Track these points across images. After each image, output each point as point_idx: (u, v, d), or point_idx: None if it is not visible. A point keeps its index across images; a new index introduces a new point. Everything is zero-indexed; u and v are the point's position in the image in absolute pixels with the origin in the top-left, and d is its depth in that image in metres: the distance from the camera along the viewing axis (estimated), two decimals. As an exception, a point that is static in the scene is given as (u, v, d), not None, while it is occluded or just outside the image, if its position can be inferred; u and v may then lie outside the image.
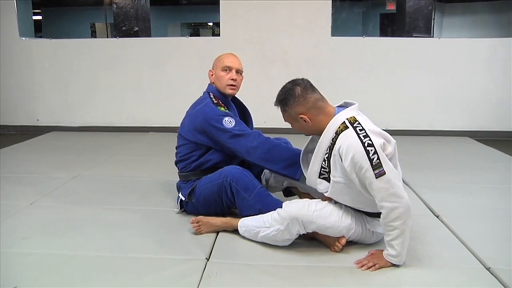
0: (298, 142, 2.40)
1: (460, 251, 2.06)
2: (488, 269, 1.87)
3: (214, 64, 2.47)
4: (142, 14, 5.50)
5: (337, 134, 1.85)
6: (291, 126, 2.03)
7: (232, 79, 2.39)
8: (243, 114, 2.61)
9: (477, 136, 4.79)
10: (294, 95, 1.91)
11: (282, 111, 1.99)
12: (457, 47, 4.92)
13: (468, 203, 2.70)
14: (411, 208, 1.80)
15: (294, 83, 1.95)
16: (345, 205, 1.99)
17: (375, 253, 1.92)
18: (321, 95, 1.96)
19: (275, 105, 2.00)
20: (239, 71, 2.43)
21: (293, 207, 1.98)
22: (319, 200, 2.03)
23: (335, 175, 1.90)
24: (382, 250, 1.89)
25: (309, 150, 2.08)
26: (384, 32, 6.32)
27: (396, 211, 1.76)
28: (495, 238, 2.20)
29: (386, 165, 1.77)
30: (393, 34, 5.86)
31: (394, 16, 5.94)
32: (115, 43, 5.22)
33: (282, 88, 1.98)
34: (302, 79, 1.97)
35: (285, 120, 2.02)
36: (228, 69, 2.40)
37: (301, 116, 1.92)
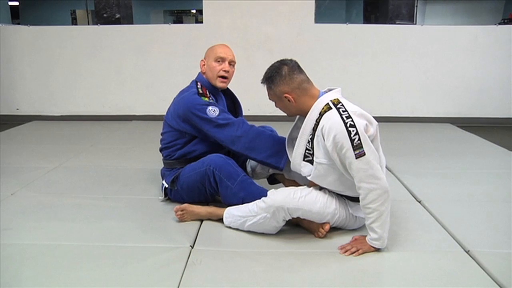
0: (283, 130, 2.40)
1: (441, 235, 2.10)
2: (467, 252, 1.92)
3: (206, 54, 2.43)
4: (124, 0, 5.40)
5: (321, 114, 1.88)
6: (275, 105, 2.05)
7: (225, 70, 2.36)
8: (234, 106, 2.59)
9: (458, 123, 4.86)
10: (281, 74, 1.94)
11: (267, 88, 2.01)
12: (439, 34, 4.96)
13: (449, 189, 2.75)
14: (389, 190, 1.83)
15: (282, 62, 1.98)
16: (329, 191, 2.01)
17: (358, 239, 1.95)
18: (307, 77, 1.99)
19: (261, 82, 2.02)
20: (232, 63, 2.40)
21: (279, 195, 1.99)
22: (304, 187, 2.05)
23: (318, 156, 1.92)
24: (365, 236, 1.91)
25: (293, 137, 2.09)
26: (367, 19, 6.33)
27: (373, 192, 1.80)
28: (474, 222, 2.25)
29: (367, 146, 1.80)
30: (376, 21, 5.88)
31: (377, 3, 5.97)
32: (96, 30, 5.12)
33: (270, 66, 2.00)
34: (291, 60, 2.00)
35: (269, 99, 2.05)
36: (221, 60, 2.36)
37: (286, 95, 1.94)
